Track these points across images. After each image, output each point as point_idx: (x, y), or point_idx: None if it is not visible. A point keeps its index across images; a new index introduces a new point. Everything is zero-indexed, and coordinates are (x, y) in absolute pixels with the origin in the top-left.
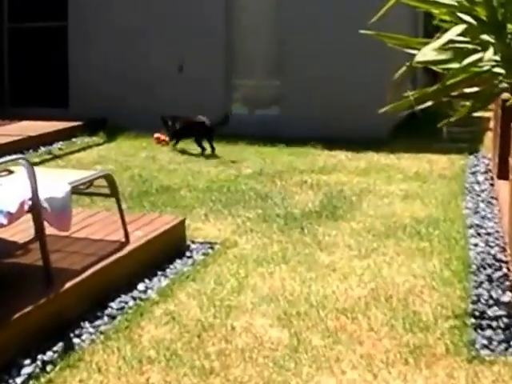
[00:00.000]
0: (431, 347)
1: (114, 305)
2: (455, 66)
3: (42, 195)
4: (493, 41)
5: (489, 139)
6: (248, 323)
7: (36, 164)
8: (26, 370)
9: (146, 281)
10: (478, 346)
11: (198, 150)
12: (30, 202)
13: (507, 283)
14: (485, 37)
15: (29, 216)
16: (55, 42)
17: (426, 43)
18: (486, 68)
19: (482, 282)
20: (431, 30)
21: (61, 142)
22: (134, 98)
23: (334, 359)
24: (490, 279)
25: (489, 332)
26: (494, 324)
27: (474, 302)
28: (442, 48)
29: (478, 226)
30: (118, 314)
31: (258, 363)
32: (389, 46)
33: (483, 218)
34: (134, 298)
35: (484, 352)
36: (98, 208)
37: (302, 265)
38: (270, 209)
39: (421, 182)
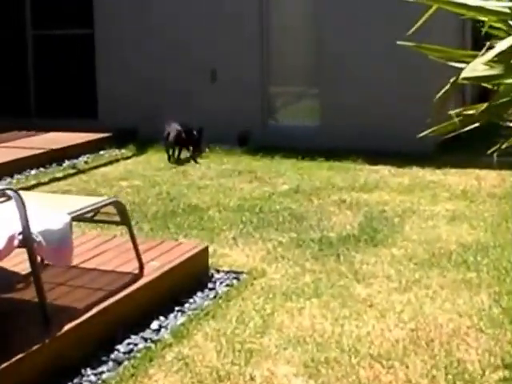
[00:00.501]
0: None
1: (121, 347)
2: (509, 81)
3: (37, 228)
4: None
5: None
6: (270, 371)
7: (59, 179)
8: None
9: (161, 318)
10: None
11: (229, 163)
12: (20, 237)
13: None
14: None
15: None
16: (82, 50)
17: (473, 56)
18: None
19: None
20: (481, 38)
21: (87, 155)
22: (166, 109)
23: None
24: None
25: None
26: None
27: None
28: (493, 61)
29: None
30: (125, 358)
31: None
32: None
33: None
34: (145, 339)
35: None
36: (117, 230)
37: (335, 299)
38: (305, 232)
39: (468, 202)
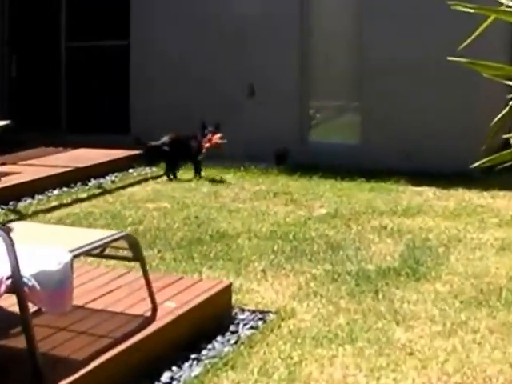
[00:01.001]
0: None
1: None
2: None
3: (30, 270)
4: None
5: None
6: None
7: (82, 200)
8: None
9: (174, 368)
10: None
11: (265, 183)
12: (8, 282)
13: None
14: None
15: None
16: (115, 62)
17: None
18: None
19: None
20: None
21: (115, 174)
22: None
23: None
24: None
25: None
26: None
27: None
28: None
29: None
30: None
31: None
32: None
33: None
34: None
35: None
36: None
37: (371, 345)
38: (341, 264)
39: None
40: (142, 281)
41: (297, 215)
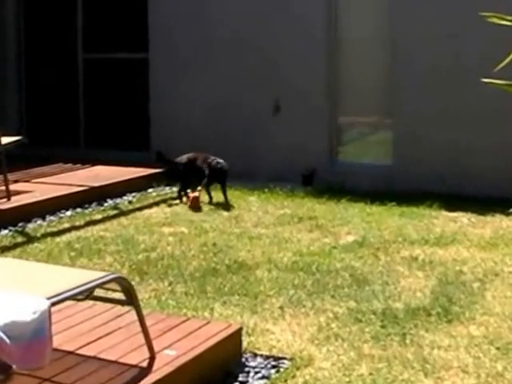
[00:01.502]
0: None
1: None
2: None
3: None
4: None
5: None
6: None
7: (96, 222)
8: None
9: None
10: None
11: (290, 207)
12: None
13: None
14: None
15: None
16: (136, 75)
17: None
18: None
19: None
20: None
21: (133, 194)
22: (224, 143)
23: None
24: None
25: None
26: None
27: None
28: None
29: None
30: None
31: None
32: None
33: None
34: None
35: None
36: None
37: None
38: (366, 301)
39: None
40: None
41: (321, 243)
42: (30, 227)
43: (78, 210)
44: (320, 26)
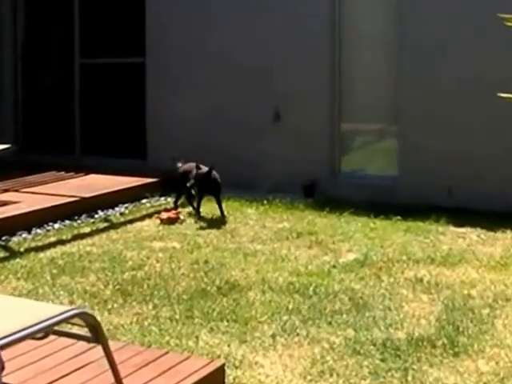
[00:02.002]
0: None
1: None
2: None
3: None
4: None
5: None
6: None
7: (83, 236)
8: None
9: None
10: None
11: (289, 221)
12: None
13: None
14: None
15: None
16: (132, 81)
17: None
18: None
19: None
20: None
21: (126, 205)
22: (223, 151)
23: None
24: None
25: None
26: None
27: None
28: None
29: None
30: None
31: None
32: None
33: None
34: None
35: None
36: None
37: None
38: (366, 329)
39: None
40: (118, 356)
41: (320, 261)
42: (14, 241)
43: (67, 222)
44: (322, 30)
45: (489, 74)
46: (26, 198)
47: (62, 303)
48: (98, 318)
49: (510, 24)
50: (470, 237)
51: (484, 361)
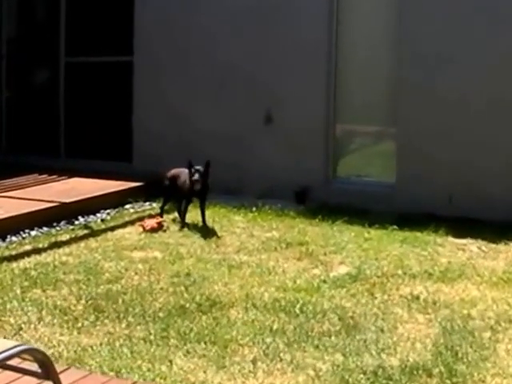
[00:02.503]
0: None
1: None
2: None
3: None
4: None
5: None
6: None
7: (61, 244)
8: None
9: None
10: None
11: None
12: None
13: None
14: None
15: None
16: (119, 80)
17: None
18: None
19: None
20: None
21: (108, 210)
22: (214, 154)
23: None
24: None
25: None
26: None
27: None
28: None
29: None
30: None
31: None
32: None
33: None
34: None
35: None
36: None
37: None
38: (356, 354)
39: None
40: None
41: (310, 275)
42: None
43: (45, 229)
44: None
45: (492, 82)
46: (3, 203)
47: (29, 320)
48: (66, 338)
49: None
50: (471, 249)
51: None
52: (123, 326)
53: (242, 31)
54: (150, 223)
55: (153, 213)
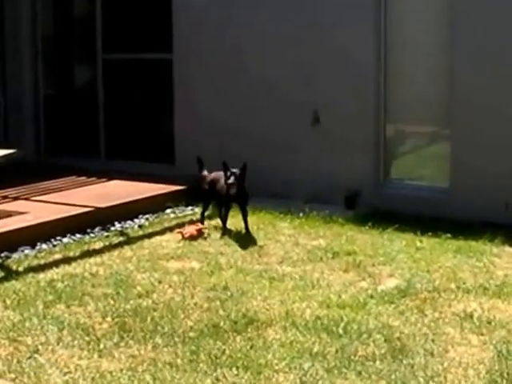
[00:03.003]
0: None
1: None
2: None
3: None
4: None
5: None
6: None
7: (92, 253)
8: None
9: None
10: None
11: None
12: None
13: None
14: None
15: None
16: (158, 78)
17: None
18: None
19: None
20: None
21: (147, 216)
22: (257, 157)
23: None
24: None
25: None
26: None
27: None
28: None
29: None
30: None
31: None
32: None
33: None
34: None
35: None
36: None
37: None
38: (401, 382)
39: None
40: None
41: (356, 289)
42: (15, 258)
43: (78, 236)
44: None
45: None
46: (35, 208)
47: (47, 340)
48: (85, 362)
49: None
50: None
51: None
52: (149, 347)
53: (288, 30)
54: (190, 230)
55: (194, 218)
